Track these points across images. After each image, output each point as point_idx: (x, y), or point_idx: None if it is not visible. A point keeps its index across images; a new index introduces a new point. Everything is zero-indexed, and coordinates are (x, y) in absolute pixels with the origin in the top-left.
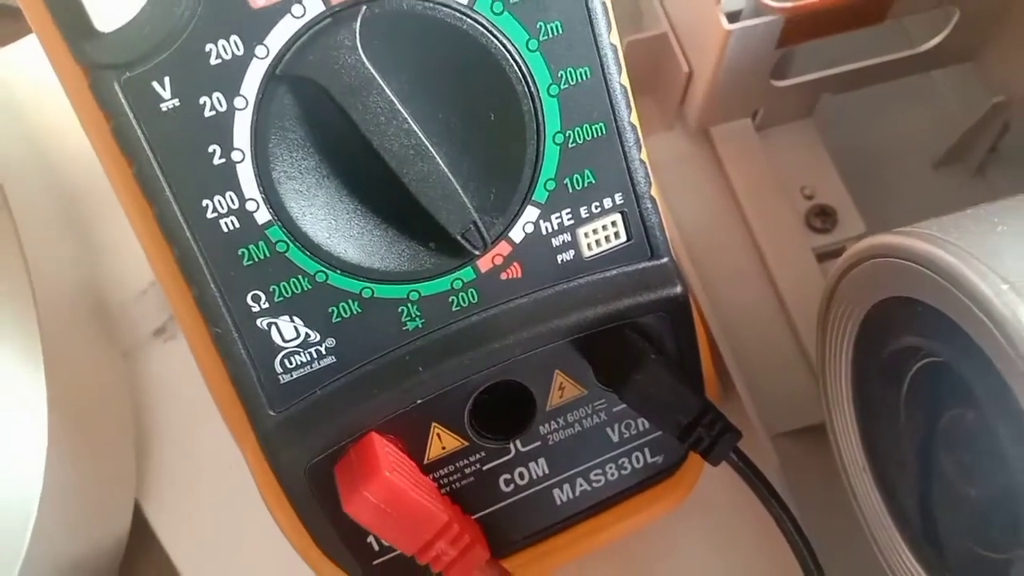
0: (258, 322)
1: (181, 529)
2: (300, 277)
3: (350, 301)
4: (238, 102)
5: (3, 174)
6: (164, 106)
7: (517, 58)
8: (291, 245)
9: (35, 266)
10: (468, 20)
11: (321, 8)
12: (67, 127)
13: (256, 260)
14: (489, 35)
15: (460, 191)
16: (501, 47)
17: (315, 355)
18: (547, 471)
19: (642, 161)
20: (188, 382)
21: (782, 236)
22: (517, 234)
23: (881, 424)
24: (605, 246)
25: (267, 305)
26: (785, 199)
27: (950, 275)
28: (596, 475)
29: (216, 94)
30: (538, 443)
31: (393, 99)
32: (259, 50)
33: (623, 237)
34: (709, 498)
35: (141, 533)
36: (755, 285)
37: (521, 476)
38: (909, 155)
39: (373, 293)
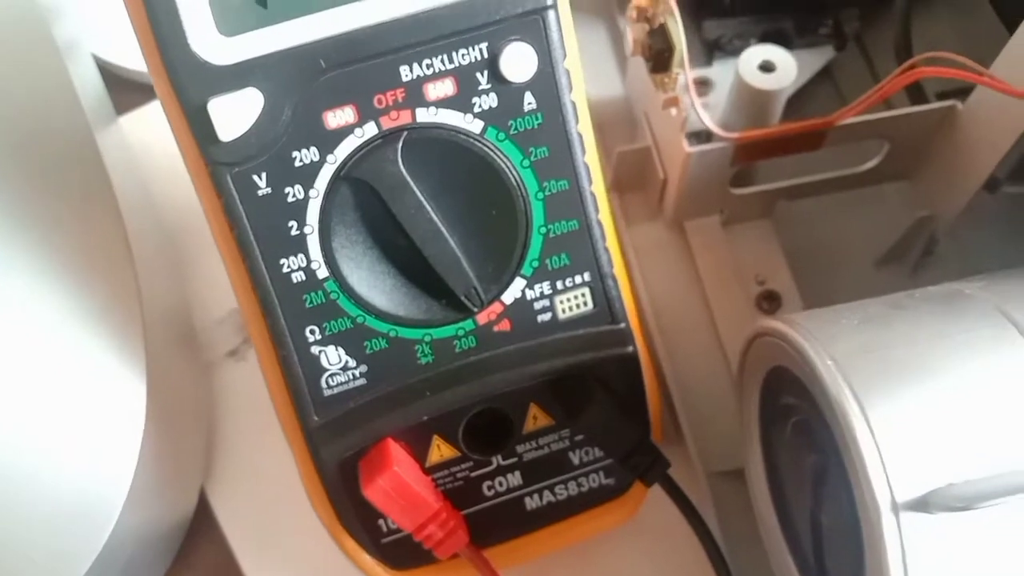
0: (312, 349)
1: (237, 513)
2: (345, 318)
3: (380, 338)
4: (312, 193)
5: (125, 215)
6: (260, 192)
7: (514, 172)
8: (341, 295)
9: (143, 289)
10: (479, 144)
11: (375, 131)
12: (171, 181)
13: (315, 304)
14: (494, 155)
15: (465, 264)
16: (502, 164)
17: (351, 377)
18: (521, 482)
19: (606, 248)
20: (252, 396)
21: (734, 313)
22: (508, 298)
23: (777, 465)
24: (575, 312)
25: (320, 337)
26: (740, 283)
27: (799, 351)
28: (560, 489)
29: (297, 186)
30: (515, 459)
31: (421, 198)
32: (329, 158)
33: (590, 305)
34: (651, 523)
35: (203, 514)
36: (708, 351)
37: (500, 484)
38: (853, 254)
39: (397, 334)
